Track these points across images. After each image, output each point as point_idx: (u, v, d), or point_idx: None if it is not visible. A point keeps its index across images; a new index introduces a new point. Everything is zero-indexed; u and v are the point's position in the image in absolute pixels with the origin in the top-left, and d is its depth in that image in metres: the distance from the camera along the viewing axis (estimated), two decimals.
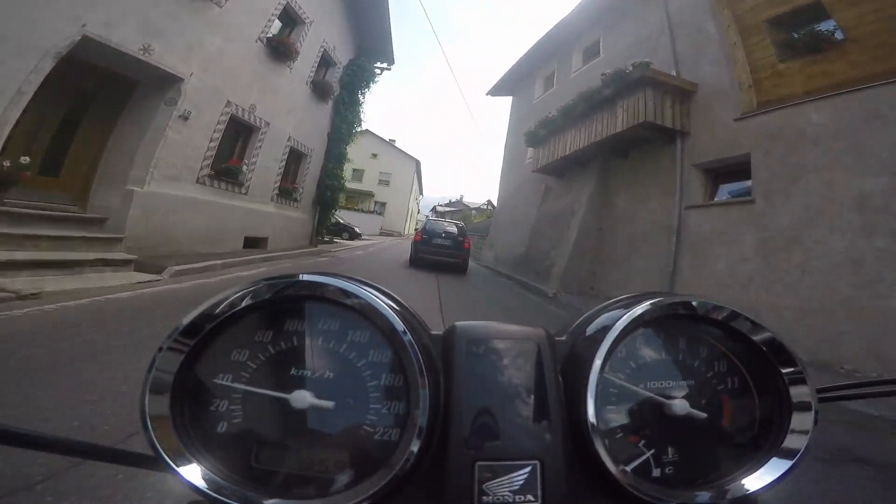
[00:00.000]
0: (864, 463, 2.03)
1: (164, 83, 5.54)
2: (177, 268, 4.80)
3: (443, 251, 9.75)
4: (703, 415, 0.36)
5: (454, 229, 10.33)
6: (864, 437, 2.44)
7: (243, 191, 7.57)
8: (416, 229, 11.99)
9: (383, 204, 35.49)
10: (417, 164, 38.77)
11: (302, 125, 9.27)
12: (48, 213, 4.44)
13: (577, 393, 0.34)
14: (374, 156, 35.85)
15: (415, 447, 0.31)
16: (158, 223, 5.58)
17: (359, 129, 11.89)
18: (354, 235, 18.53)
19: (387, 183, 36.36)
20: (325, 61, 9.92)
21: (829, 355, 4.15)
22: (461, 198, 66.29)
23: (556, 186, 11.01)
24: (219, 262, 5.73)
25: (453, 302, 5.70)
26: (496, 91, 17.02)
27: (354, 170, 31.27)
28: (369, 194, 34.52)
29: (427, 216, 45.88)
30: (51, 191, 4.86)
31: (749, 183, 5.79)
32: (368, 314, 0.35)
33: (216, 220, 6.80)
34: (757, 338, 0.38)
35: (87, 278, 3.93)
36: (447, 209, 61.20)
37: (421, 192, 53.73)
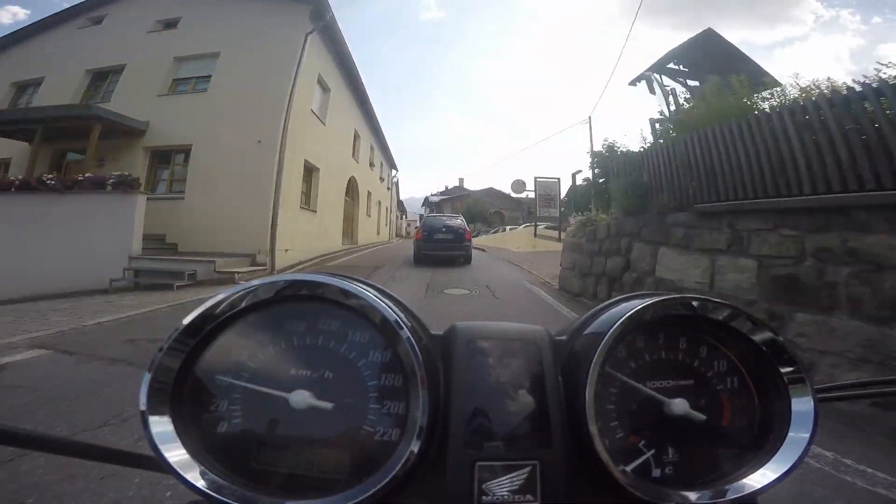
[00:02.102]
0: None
1: None
2: None
3: (445, 245, 9.70)
4: (703, 416, 0.36)
5: (453, 222, 10.36)
6: None
7: None
8: (416, 227, 11.56)
9: (184, 154, 9.24)
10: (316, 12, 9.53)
11: None
12: None
13: (576, 393, 0.34)
14: (170, 26, 10.33)
15: (415, 447, 0.31)
16: None
17: None
18: None
19: (197, 83, 9.77)
20: None
21: None
22: (461, 182, 57.24)
23: None
24: None
25: None
26: None
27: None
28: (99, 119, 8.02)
29: (421, 214, 35.38)
30: None
31: None
32: (368, 314, 0.35)
33: None
34: (757, 338, 0.38)
35: None
36: (444, 198, 52.37)
37: (392, 167, 26.83)
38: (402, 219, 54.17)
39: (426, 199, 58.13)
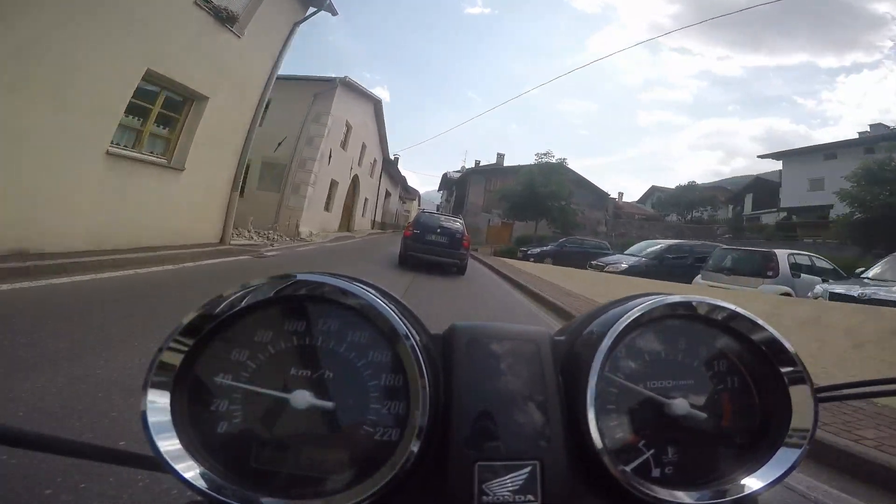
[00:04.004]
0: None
1: None
2: None
3: (437, 249, 8.36)
4: (703, 415, 0.36)
5: (452, 224, 8.84)
6: None
7: None
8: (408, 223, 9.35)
9: None
10: None
11: None
12: None
13: (576, 393, 0.34)
14: None
15: (415, 447, 0.31)
16: None
17: None
18: None
19: None
20: None
21: None
22: (500, 160, 37.45)
23: None
24: None
25: None
26: None
27: None
28: None
29: (438, 204, 21.09)
30: None
31: None
32: (368, 314, 0.35)
33: None
34: (756, 337, 0.38)
35: None
36: (475, 174, 33.65)
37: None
38: (405, 203, 39.76)
39: (444, 176, 42.37)
